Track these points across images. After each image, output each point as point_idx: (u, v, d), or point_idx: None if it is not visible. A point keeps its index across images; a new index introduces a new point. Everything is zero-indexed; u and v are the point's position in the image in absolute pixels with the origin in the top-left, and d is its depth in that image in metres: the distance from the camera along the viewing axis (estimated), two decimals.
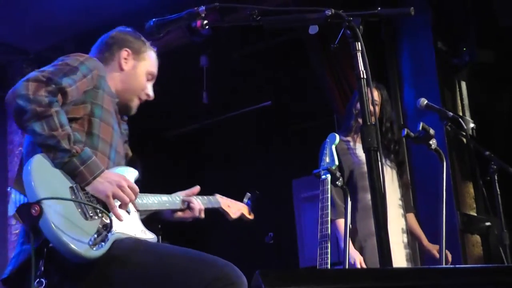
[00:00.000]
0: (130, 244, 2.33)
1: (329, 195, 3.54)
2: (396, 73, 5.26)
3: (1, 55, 6.04)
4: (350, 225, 3.56)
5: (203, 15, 2.34)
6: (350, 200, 3.59)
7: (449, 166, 4.66)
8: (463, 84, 5.23)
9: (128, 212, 2.47)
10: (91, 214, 2.25)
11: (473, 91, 5.23)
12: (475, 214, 4.94)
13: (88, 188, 2.30)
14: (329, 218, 3.52)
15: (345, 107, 4.40)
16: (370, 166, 2.12)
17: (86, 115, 2.47)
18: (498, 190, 3.99)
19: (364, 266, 3.69)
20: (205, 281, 2.22)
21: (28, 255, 2.23)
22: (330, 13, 2.21)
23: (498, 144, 4.83)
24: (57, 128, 2.24)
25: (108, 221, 2.26)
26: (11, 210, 2.28)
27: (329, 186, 3.56)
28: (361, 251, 3.81)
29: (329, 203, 3.53)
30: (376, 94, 3.93)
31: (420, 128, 3.59)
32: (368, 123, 2.14)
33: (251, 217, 3.23)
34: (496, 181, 4.00)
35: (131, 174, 2.54)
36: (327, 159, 3.60)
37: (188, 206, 2.84)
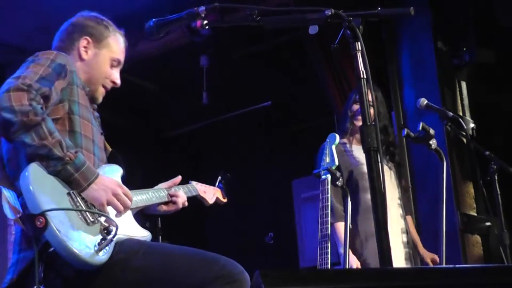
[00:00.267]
0: (131, 247, 2.32)
1: (329, 195, 3.53)
2: (396, 73, 5.26)
3: (1, 55, 6.03)
4: (350, 225, 3.56)
5: (203, 15, 2.34)
6: (350, 200, 3.59)
7: (449, 166, 4.66)
8: (463, 84, 5.23)
9: None
10: (92, 219, 2.25)
11: (473, 91, 5.23)
12: (475, 214, 4.94)
13: (83, 195, 2.28)
14: (329, 218, 3.51)
15: None
16: (370, 166, 2.12)
17: (65, 114, 2.42)
18: (498, 190, 3.98)
19: None
20: (207, 280, 2.21)
21: (27, 263, 2.22)
22: (330, 13, 2.21)
23: (498, 144, 4.83)
24: (46, 137, 2.21)
25: (107, 224, 2.25)
26: (5, 208, 2.27)
27: (329, 186, 3.55)
28: (361, 251, 3.81)
29: (329, 203, 3.53)
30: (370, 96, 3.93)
31: (420, 128, 3.59)
32: (368, 124, 2.14)
33: (225, 200, 3.19)
34: (496, 181, 4.00)
35: (118, 173, 2.53)
36: (327, 159, 3.60)
37: (171, 200, 2.79)
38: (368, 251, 3.78)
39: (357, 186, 3.90)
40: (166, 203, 2.79)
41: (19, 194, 2.25)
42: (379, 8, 2.27)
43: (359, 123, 3.90)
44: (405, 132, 3.64)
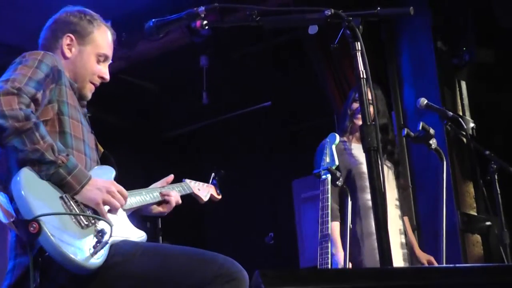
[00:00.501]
0: (128, 249, 2.29)
1: (329, 195, 3.53)
2: (396, 73, 5.26)
3: (1, 55, 6.03)
4: (350, 225, 3.56)
5: (203, 15, 2.34)
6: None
7: (449, 166, 4.66)
8: (463, 84, 5.23)
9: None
10: (86, 223, 2.22)
11: (473, 90, 5.23)
12: (475, 214, 4.93)
13: (77, 197, 2.26)
14: (329, 218, 3.51)
15: None
16: (370, 166, 2.12)
17: (55, 115, 2.39)
18: (498, 189, 3.99)
19: None
20: (206, 279, 2.21)
21: (23, 269, 2.20)
22: (329, 13, 2.21)
23: (498, 143, 4.83)
24: (38, 141, 2.19)
25: (101, 227, 2.22)
26: None
27: (329, 186, 3.55)
28: (359, 251, 3.80)
29: (330, 203, 3.53)
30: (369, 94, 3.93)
31: (420, 128, 3.59)
32: (368, 123, 2.14)
33: (219, 197, 3.17)
34: (496, 180, 4.00)
35: (111, 175, 2.51)
36: (327, 159, 3.60)
37: (164, 199, 2.76)
38: (365, 251, 3.77)
39: (354, 185, 3.89)
40: (159, 203, 2.76)
41: (11, 199, 2.21)
42: (379, 8, 2.27)
43: (358, 121, 3.90)
44: (405, 132, 3.64)
